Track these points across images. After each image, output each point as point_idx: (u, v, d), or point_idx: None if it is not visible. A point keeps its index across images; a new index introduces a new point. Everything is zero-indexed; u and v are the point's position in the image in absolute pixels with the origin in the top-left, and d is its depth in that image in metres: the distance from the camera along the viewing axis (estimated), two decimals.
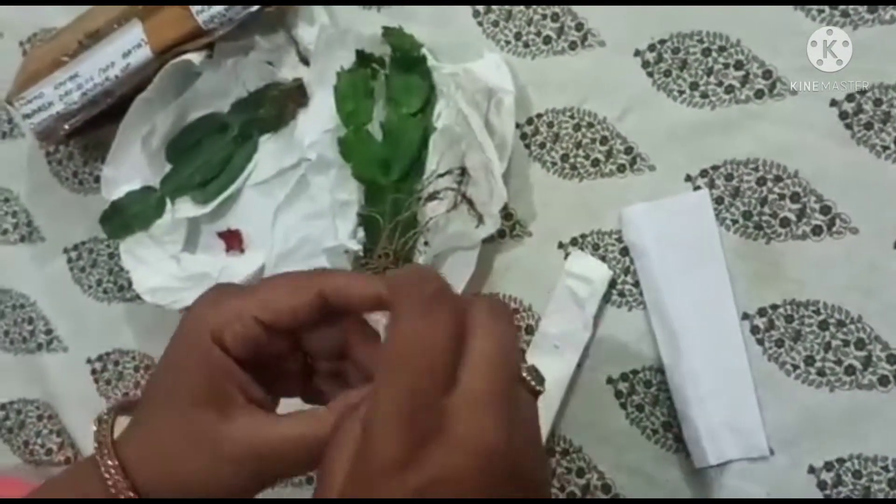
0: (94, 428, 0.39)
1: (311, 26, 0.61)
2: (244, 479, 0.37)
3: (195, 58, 0.61)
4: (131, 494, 0.37)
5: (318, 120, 0.60)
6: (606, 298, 0.55)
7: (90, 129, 0.66)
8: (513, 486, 0.30)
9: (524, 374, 0.34)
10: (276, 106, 0.62)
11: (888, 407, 0.49)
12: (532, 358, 0.56)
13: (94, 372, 0.68)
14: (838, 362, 0.50)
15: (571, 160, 0.57)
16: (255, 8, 0.59)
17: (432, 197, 0.57)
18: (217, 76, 0.63)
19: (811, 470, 0.50)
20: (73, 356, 0.69)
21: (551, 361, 0.55)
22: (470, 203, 0.56)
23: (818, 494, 0.49)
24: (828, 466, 0.49)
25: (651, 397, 0.53)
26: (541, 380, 0.34)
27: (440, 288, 0.32)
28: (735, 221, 0.53)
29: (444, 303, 0.31)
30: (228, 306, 0.38)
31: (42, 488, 0.40)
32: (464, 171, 0.56)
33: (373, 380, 0.30)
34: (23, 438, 0.70)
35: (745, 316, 0.52)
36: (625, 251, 0.55)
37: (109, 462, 0.37)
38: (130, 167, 0.64)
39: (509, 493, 0.30)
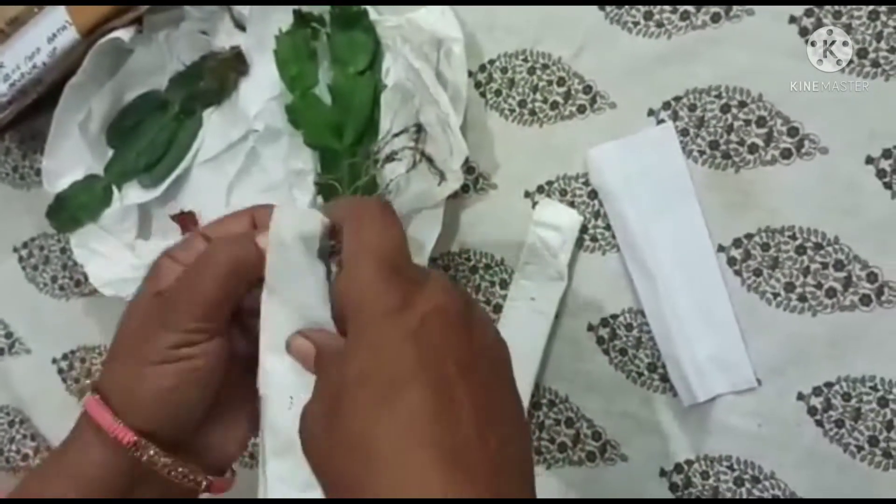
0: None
1: None
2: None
3: (124, 34, 0.57)
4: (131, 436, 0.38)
5: (262, 88, 0.58)
6: (579, 244, 0.53)
7: (24, 121, 0.63)
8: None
9: None
10: (215, 77, 0.59)
11: (872, 326, 0.48)
12: (509, 312, 0.54)
13: (61, 371, 0.66)
14: (818, 286, 0.49)
15: (529, 105, 0.55)
16: None
17: (390, 158, 0.54)
18: (150, 52, 0.60)
19: (800, 397, 0.49)
20: (37, 358, 0.67)
21: (529, 314, 0.54)
22: (430, 160, 0.53)
23: (809, 421, 0.49)
24: (816, 392, 0.49)
25: (633, 340, 0.53)
26: None
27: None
28: (702, 153, 0.51)
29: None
30: (190, 239, 0.42)
31: (48, 461, 0.42)
32: (420, 128, 0.54)
33: None
34: None
35: (721, 248, 0.51)
36: (593, 194, 0.53)
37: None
38: (71, 156, 0.61)
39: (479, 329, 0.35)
